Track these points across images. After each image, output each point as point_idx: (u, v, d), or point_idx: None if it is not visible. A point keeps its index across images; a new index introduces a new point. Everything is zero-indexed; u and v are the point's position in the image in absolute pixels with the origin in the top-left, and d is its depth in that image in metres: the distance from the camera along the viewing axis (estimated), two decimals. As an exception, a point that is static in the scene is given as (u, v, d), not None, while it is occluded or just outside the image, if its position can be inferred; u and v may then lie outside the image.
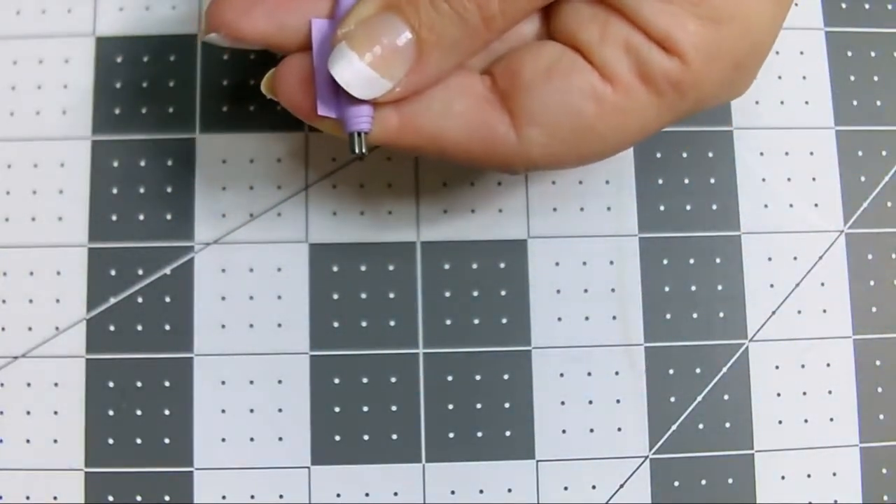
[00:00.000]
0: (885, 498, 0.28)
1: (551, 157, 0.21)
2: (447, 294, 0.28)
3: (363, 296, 0.28)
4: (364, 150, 0.21)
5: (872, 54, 0.29)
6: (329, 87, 0.21)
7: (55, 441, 0.27)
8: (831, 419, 0.28)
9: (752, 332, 0.28)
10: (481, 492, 0.27)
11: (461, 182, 0.28)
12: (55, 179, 0.28)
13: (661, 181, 0.29)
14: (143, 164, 0.28)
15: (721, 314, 0.28)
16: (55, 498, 0.27)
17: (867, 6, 0.30)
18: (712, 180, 0.29)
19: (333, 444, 0.27)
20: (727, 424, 0.28)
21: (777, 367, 0.28)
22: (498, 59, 0.22)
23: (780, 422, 0.28)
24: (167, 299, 0.28)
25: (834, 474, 0.28)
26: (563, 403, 0.28)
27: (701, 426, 0.28)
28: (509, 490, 0.27)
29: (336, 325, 0.28)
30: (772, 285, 0.28)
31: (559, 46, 0.21)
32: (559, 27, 0.21)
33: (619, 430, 0.28)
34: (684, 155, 0.29)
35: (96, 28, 0.29)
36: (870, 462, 0.28)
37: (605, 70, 0.20)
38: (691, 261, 0.28)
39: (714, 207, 0.29)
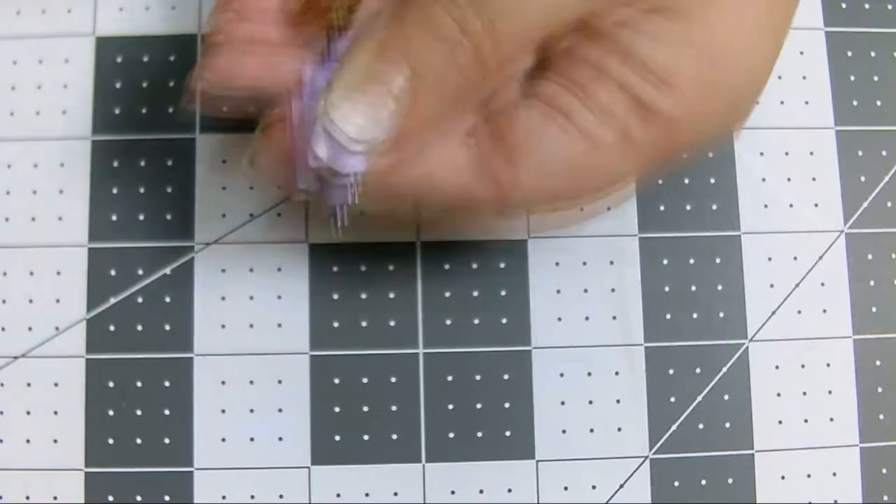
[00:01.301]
0: (885, 498, 0.28)
1: (544, 200, 0.21)
2: (447, 294, 0.28)
3: (363, 296, 0.28)
4: (344, 224, 0.21)
5: (872, 54, 0.29)
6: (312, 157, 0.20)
7: (55, 441, 0.27)
8: (831, 419, 0.28)
9: (752, 332, 0.28)
10: (481, 492, 0.27)
11: (461, 182, 0.28)
12: (55, 179, 0.28)
13: (661, 181, 0.29)
14: (143, 164, 0.28)
15: (721, 314, 0.28)
16: (55, 498, 0.27)
17: (867, 6, 0.30)
18: (712, 180, 0.29)
19: (333, 444, 0.27)
20: (727, 424, 0.28)
21: (777, 367, 0.28)
22: (490, 97, 0.21)
23: (780, 422, 0.28)
24: (167, 299, 0.28)
25: (834, 474, 0.28)
26: (563, 403, 0.28)
27: (701, 426, 0.28)
28: (509, 490, 0.27)
29: (336, 325, 0.28)
30: (772, 285, 0.28)
31: (553, 86, 0.21)
32: (553, 66, 0.21)
33: (619, 430, 0.28)
34: (684, 155, 0.29)
35: (96, 28, 0.29)
36: (870, 462, 0.28)
37: (601, 110, 0.20)
38: (691, 261, 0.28)
39: (714, 207, 0.29)
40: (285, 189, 0.21)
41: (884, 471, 0.28)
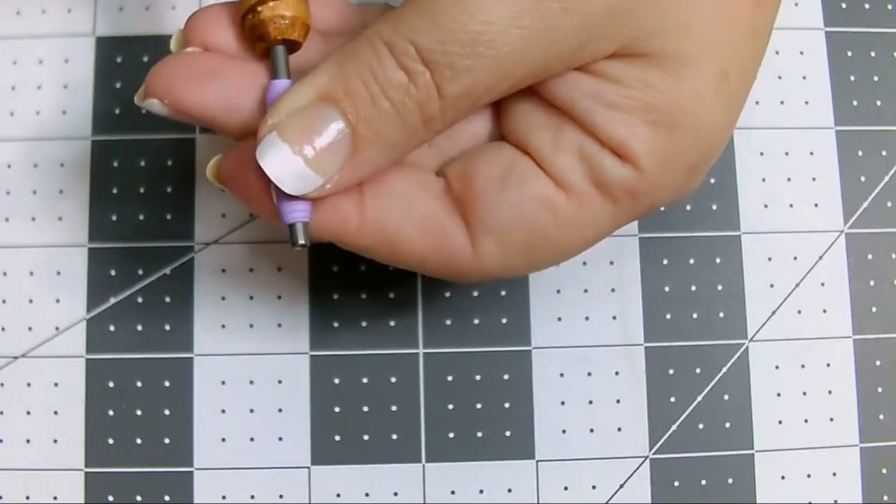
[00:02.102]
0: (885, 498, 0.28)
1: (505, 268, 0.20)
2: (447, 294, 0.28)
3: (363, 296, 0.28)
4: (305, 242, 0.19)
5: (872, 54, 0.29)
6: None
7: (55, 441, 0.27)
8: (831, 419, 0.28)
9: (752, 332, 0.28)
10: (481, 492, 0.27)
11: (461, 182, 0.28)
12: (55, 179, 0.28)
13: (661, 181, 0.29)
14: (143, 164, 0.28)
15: (721, 314, 0.28)
16: (55, 498, 0.27)
17: (867, 6, 0.30)
18: (712, 180, 0.29)
19: (333, 444, 0.27)
20: (727, 424, 0.28)
21: (777, 367, 0.28)
22: (451, 161, 0.21)
23: (780, 422, 0.28)
24: (167, 299, 0.28)
25: (834, 474, 0.28)
26: (563, 403, 0.28)
27: (701, 426, 0.28)
28: (509, 490, 0.27)
29: (336, 325, 0.28)
30: (772, 285, 0.28)
31: (512, 150, 0.20)
32: (511, 129, 0.21)
33: (619, 430, 0.28)
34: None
35: (96, 28, 0.29)
36: (870, 462, 0.28)
37: (560, 178, 0.20)
38: (691, 261, 0.28)
39: (714, 207, 0.29)
40: (260, 208, 0.20)
41: (884, 471, 0.28)
